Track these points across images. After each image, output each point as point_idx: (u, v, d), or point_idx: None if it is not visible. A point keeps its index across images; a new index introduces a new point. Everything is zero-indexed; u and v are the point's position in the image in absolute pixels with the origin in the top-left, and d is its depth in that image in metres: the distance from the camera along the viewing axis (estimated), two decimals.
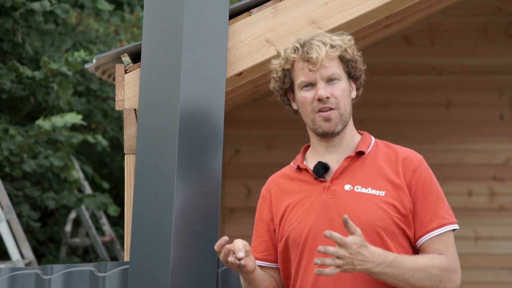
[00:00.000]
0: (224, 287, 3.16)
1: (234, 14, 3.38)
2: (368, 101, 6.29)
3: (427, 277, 2.58)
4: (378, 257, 2.52)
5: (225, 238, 2.58)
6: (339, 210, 2.64)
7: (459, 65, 6.36)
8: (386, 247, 2.60)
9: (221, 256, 2.59)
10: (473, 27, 6.35)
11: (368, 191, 2.65)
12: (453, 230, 2.71)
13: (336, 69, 2.68)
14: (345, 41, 2.71)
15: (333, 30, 3.36)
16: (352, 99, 2.75)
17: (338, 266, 2.47)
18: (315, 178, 2.72)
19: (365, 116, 6.22)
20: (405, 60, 6.38)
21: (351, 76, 2.73)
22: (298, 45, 2.69)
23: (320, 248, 2.45)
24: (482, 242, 6.34)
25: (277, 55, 2.77)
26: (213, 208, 3.16)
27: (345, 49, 2.69)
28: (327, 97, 2.66)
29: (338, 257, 2.46)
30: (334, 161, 2.72)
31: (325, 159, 2.74)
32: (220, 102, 3.24)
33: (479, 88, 6.35)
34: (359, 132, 2.79)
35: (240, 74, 3.40)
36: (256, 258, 2.78)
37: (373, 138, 2.78)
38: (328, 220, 2.65)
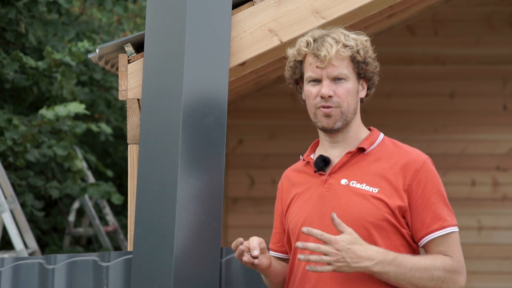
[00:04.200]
0: (228, 277, 3.17)
1: (237, 4, 3.37)
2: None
3: (429, 277, 2.58)
4: (376, 255, 2.53)
5: (241, 240, 2.64)
6: (331, 204, 2.67)
7: (462, 55, 6.35)
8: (374, 243, 2.60)
9: (236, 254, 2.65)
10: (476, 17, 6.34)
11: (362, 186, 2.66)
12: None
13: (344, 69, 2.68)
14: (360, 41, 2.70)
15: (336, 20, 3.35)
16: (362, 98, 2.76)
17: (330, 264, 2.49)
18: (315, 171, 2.75)
19: (368, 106, 6.17)
20: (409, 50, 6.37)
21: (361, 76, 2.73)
22: (311, 39, 2.70)
23: (298, 244, 2.51)
24: (486, 232, 6.34)
25: (294, 44, 2.76)
26: (217, 198, 3.16)
27: (358, 51, 2.68)
28: (330, 96, 2.68)
29: (326, 254, 2.49)
30: (337, 155, 2.74)
31: (329, 153, 2.76)
32: (223, 92, 3.24)
33: (483, 78, 6.34)
34: (369, 129, 2.79)
35: (243, 64, 3.40)
36: (272, 249, 2.88)
37: (381, 136, 2.77)
38: (321, 213, 2.68)
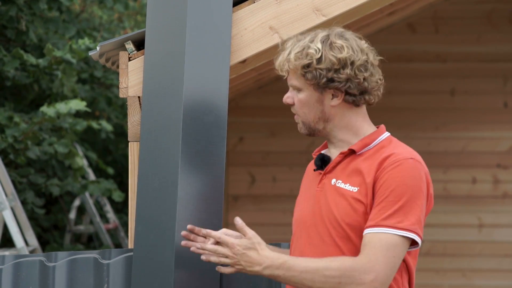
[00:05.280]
0: (228, 275, 3.17)
1: (238, 2, 3.37)
2: None
3: (321, 279, 2.53)
4: (265, 260, 2.56)
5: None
6: (320, 204, 2.69)
7: (463, 52, 6.35)
8: (352, 243, 2.60)
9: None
10: (477, 14, 6.34)
11: (346, 186, 2.65)
12: (410, 239, 2.56)
13: (294, 80, 2.68)
14: (308, 54, 2.63)
15: (337, 18, 3.35)
16: (333, 106, 2.68)
17: (232, 266, 2.60)
18: (314, 170, 2.77)
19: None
20: (409, 48, 6.37)
21: (325, 86, 2.65)
22: (284, 45, 2.71)
23: (197, 245, 2.62)
24: (486, 230, 6.35)
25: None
26: (217, 195, 3.16)
27: (295, 66, 2.63)
28: (288, 103, 2.73)
29: (225, 256, 2.59)
30: (335, 155, 2.75)
31: (330, 152, 2.77)
32: (224, 90, 3.24)
33: (483, 75, 6.34)
34: (377, 127, 2.75)
35: (244, 61, 3.39)
36: None
37: (382, 136, 2.71)
38: (311, 211, 2.71)
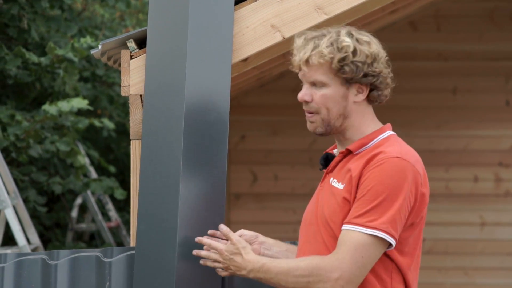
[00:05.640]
0: None
1: (240, 0, 3.37)
2: None
3: (293, 279, 2.57)
4: (248, 264, 2.66)
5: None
6: (319, 202, 2.70)
7: (465, 51, 6.35)
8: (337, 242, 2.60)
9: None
10: (479, 13, 6.34)
11: (338, 185, 2.65)
12: (383, 239, 2.53)
13: (320, 75, 2.63)
14: (343, 48, 2.61)
15: (339, 16, 3.35)
16: (358, 102, 2.67)
17: (225, 270, 2.73)
18: (320, 169, 2.79)
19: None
20: (411, 46, 6.37)
21: (352, 81, 2.64)
22: (300, 40, 2.67)
23: (194, 252, 2.80)
24: (488, 228, 6.34)
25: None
26: (219, 194, 3.16)
27: (331, 58, 2.60)
28: (305, 101, 2.67)
29: (217, 261, 2.73)
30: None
31: (338, 151, 2.77)
32: (225, 88, 3.24)
33: (486, 74, 6.34)
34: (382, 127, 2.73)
35: (245, 60, 3.39)
36: None
37: (382, 135, 2.69)
38: (312, 210, 2.73)
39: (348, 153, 2.69)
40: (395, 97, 6.70)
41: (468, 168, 6.34)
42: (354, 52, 2.62)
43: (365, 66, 2.63)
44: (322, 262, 2.55)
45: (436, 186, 5.96)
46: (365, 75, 2.64)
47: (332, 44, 2.62)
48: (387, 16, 5.43)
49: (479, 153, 6.35)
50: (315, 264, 2.55)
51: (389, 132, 2.72)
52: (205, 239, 2.77)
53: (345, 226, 2.55)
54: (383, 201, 2.53)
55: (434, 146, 6.30)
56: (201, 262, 2.79)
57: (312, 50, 2.62)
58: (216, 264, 2.74)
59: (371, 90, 2.68)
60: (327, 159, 2.76)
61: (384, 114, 5.77)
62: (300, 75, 2.69)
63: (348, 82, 2.64)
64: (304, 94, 2.67)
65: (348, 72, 2.61)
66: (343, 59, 2.61)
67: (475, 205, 6.31)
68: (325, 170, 2.76)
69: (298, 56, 2.64)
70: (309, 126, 2.71)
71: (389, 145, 2.63)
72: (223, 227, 2.76)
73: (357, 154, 2.67)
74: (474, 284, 6.34)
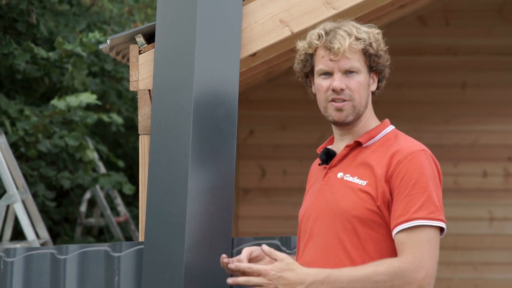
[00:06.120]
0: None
1: None
2: None
3: (372, 285, 2.50)
4: (307, 277, 2.51)
5: (223, 255, 2.68)
6: (326, 197, 2.68)
7: (474, 45, 6.33)
8: (358, 237, 2.59)
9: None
10: (488, 7, 6.32)
11: (354, 180, 2.64)
12: (440, 229, 2.56)
13: (356, 62, 2.67)
14: (372, 34, 2.69)
15: (347, 11, 3.35)
16: (372, 91, 2.75)
17: None
18: (319, 164, 2.78)
19: (379, 97, 6.16)
20: (420, 41, 6.35)
21: (373, 69, 2.71)
22: (323, 32, 2.68)
23: (229, 280, 2.57)
24: (497, 223, 6.33)
25: (304, 36, 2.76)
26: (228, 188, 3.16)
27: (370, 43, 2.67)
28: (342, 89, 2.67)
29: (257, 284, 2.53)
30: (340, 149, 2.75)
31: (338, 146, 2.77)
32: (234, 83, 3.24)
33: (495, 68, 6.32)
34: (382, 121, 2.78)
35: (254, 54, 3.39)
36: None
37: (387, 129, 2.74)
38: (317, 206, 2.71)
39: (355, 146, 2.70)
40: (404, 92, 6.70)
41: (477, 163, 6.32)
42: (380, 42, 2.71)
43: (386, 55, 2.73)
44: (403, 264, 2.51)
45: (445, 181, 5.91)
46: (385, 63, 2.73)
47: (363, 32, 2.68)
48: (395, 10, 5.42)
49: (488, 148, 6.34)
50: (396, 267, 2.50)
51: (392, 127, 2.76)
52: (242, 265, 2.57)
53: (406, 224, 2.53)
54: (431, 192, 2.57)
55: (443, 141, 6.29)
56: (228, 280, 2.59)
57: (350, 37, 2.66)
58: None
59: (378, 81, 2.76)
60: (329, 155, 2.76)
61: (393, 109, 5.74)
62: (330, 65, 2.67)
63: (371, 70, 2.71)
64: (341, 83, 2.67)
65: (381, 58, 2.70)
66: (378, 45, 2.69)
67: (484, 200, 6.30)
68: (325, 166, 2.75)
69: (337, 45, 2.64)
70: (339, 115, 2.69)
71: (404, 139, 2.68)
72: (265, 247, 2.56)
73: (366, 147, 2.69)
74: (483, 279, 6.33)
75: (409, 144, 2.65)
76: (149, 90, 3.33)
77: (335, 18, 3.26)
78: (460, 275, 6.37)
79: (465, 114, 6.35)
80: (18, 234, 7.08)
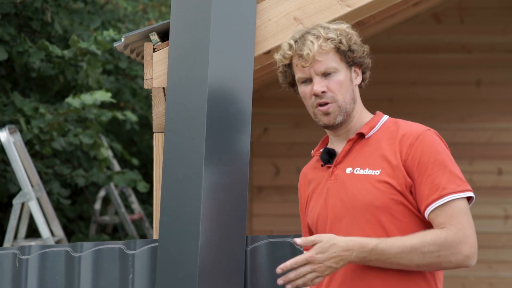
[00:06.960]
0: (253, 265, 3.17)
1: None
2: (397, 80, 6.25)
3: (419, 256, 2.53)
4: (353, 246, 2.51)
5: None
6: (339, 195, 2.68)
7: (489, 43, 6.31)
8: (383, 228, 2.60)
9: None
10: (503, 5, 6.29)
11: (366, 172, 2.65)
12: (467, 198, 2.63)
13: (330, 62, 2.68)
14: (341, 31, 2.70)
15: (362, 9, 3.34)
16: (357, 85, 2.76)
17: (318, 276, 2.50)
18: (322, 165, 2.77)
19: (393, 94, 6.19)
20: (435, 38, 6.34)
21: (351, 64, 2.72)
22: (292, 42, 2.72)
23: (279, 281, 2.52)
24: None
25: (278, 49, 2.79)
26: (242, 186, 3.16)
27: (340, 40, 2.68)
28: (323, 92, 2.68)
29: (311, 272, 2.49)
30: (340, 147, 2.75)
31: (335, 146, 2.78)
32: (248, 81, 3.24)
33: (509, 66, 6.30)
34: (374, 114, 2.79)
35: (268, 52, 3.39)
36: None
37: (384, 118, 2.76)
38: (331, 205, 2.70)
39: (357, 138, 2.71)
40: (419, 90, 6.68)
41: (492, 161, 6.30)
42: (351, 36, 2.71)
43: (362, 48, 2.74)
44: (448, 235, 2.54)
45: None
46: (362, 55, 2.73)
47: (334, 30, 2.70)
48: (410, 8, 5.40)
49: (503, 146, 6.32)
50: (443, 237, 2.54)
51: (387, 116, 2.79)
52: (288, 263, 2.50)
53: (438, 202, 2.56)
54: (450, 166, 2.61)
55: (457, 139, 6.27)
56: (291, 285, 2.52)
57: (318, 39, 2.67)
58: (309, 276, 2.51)
59: (362, 73, 2.77)
60: (330, 154, 2.76)
61: (407, 106, 5.72)
62: (306, 71, 2.70)
63: (350, 65, 2.72)
64: (320, 86, 2.69)
65: (356, 51, 2.70)
66: (349, 40, 2.69)
67: (499, 198, 6.28)
68: (328, 165, 2.75)
69: (306, 51, 2.67)
70: (328, 119, 2.71)
71: (406, 123, 2.72)
72: (297, 240, 2.52)
73: (368, 138, 2.71)
74: (498, 277, 6.31)
75: (413, 126, 2.69)
76: (163, 88, 3.34)
77: (349, 16, 3.26)
78: (474, 273, 6.35)
79: (479, 112, 6.33)
80: (33, 231, 7.10)
